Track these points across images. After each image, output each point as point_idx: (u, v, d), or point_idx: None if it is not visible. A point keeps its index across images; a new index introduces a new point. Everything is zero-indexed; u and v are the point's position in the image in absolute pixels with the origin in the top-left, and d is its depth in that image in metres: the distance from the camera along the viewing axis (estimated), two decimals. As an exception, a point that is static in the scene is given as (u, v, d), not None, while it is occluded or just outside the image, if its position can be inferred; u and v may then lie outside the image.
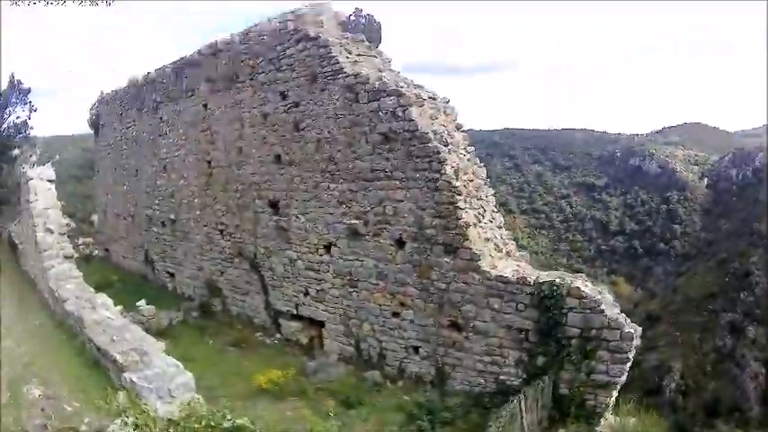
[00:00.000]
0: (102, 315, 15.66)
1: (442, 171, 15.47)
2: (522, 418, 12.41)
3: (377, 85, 16.98)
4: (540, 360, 14.12)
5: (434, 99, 17.10)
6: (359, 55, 18.84)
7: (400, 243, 16.87)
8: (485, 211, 16.24)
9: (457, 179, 15.50)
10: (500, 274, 14.81)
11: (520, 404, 12.44)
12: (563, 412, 13.65)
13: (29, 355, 14.77)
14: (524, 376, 14.36)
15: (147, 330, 17.23)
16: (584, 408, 13.59)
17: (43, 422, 9.81)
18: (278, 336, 21.71)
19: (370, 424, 14.32)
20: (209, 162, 25.12)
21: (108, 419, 8.12)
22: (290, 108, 20.20)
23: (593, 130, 65.20)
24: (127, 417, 7.76)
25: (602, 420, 13.53)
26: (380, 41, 20.21)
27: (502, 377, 14.85)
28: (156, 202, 29.97)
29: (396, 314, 17.31)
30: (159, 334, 19.70)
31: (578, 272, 15.39)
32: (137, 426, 7.53)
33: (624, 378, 13.48)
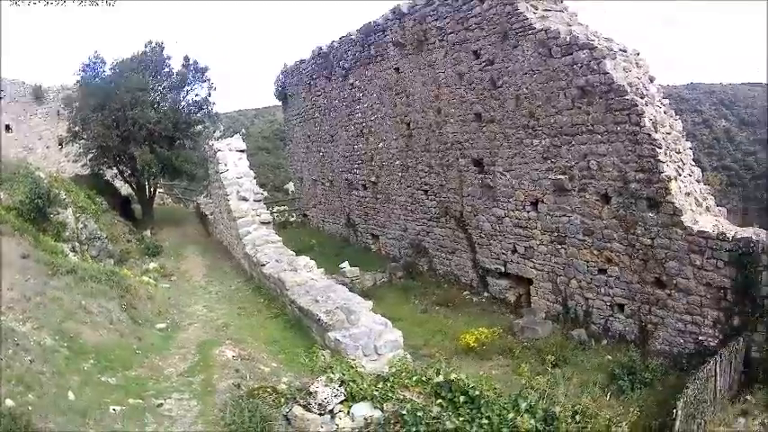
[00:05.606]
0: (305, 276, 17.25)
1: (641, 124, 16.39)
2: (715, 381, 13.13)
3: (568, 39, 18.16)
4: (736, 320, 14.82)
5: (625, 52, 17.89)
6: (545, 10, 19.97)
7: (606, 198, 17.93)
8: (683, 164, 16.94)
9: (656, 131, 16.37)
10: (702, 229, 15.54)
11: (715, 366, 13.12)
12: (752, 377, 14.25)
13: (223, 319, 16.90)
14: (720, 337, 15.10)
15: (351, 291, 18.66)
16: None
17: (236, 382, 10.88)
18: (485, 294, 23.35)
19: (573, 383, 14.97)
20: (408, 124, 27.12)
21: (309, 378, 8.42)
22: (484, 66, 21.73)
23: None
24: (333, 373, 8.00)
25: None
26: None
27: (700, 337, 15.69)
28: (356, 165, 32.61)
29: (602, 270, 18.47)
30: (364, 295, 21.33)
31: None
32: (343, 382, 7.79)
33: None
